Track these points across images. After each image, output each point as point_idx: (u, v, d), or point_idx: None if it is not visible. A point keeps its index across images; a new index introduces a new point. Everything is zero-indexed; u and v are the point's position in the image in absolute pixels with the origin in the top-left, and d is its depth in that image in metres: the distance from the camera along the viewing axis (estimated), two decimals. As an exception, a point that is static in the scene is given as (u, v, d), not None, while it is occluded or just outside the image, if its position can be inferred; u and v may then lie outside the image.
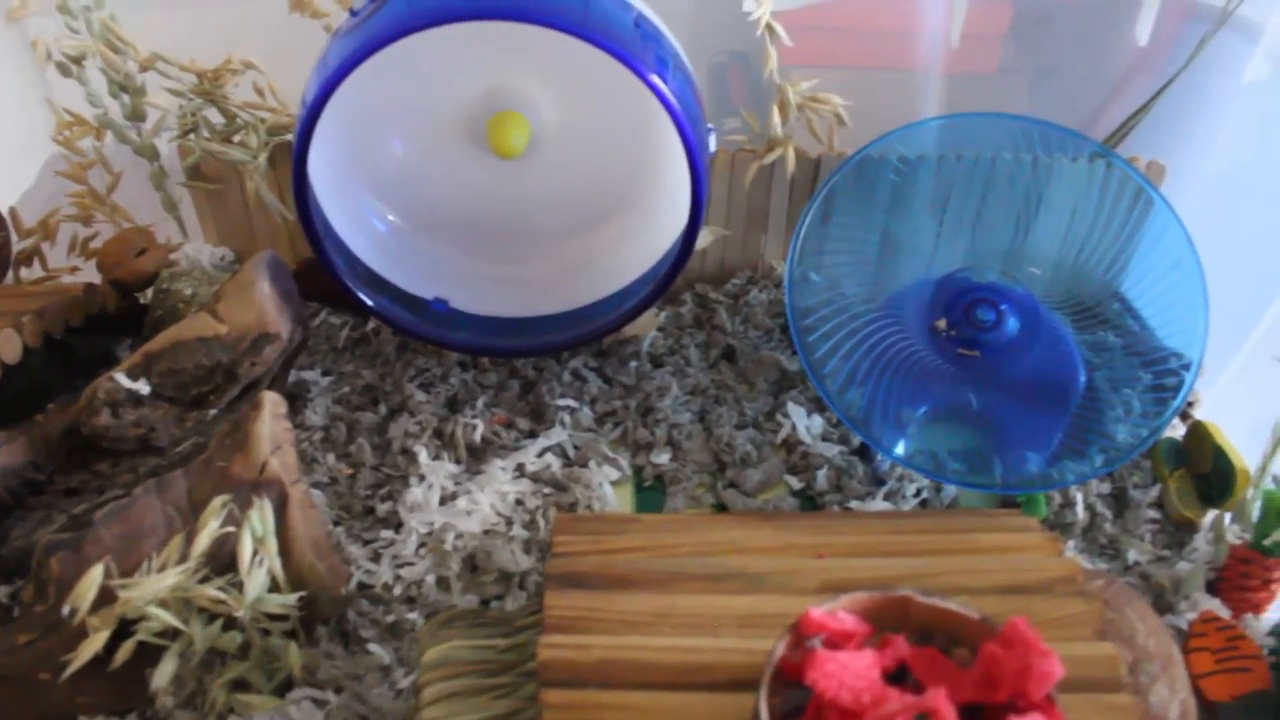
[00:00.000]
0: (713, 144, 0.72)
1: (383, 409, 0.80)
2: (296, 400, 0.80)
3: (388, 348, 0.83)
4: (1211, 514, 0.74)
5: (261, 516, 0.60)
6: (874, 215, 0.83)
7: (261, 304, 0.71)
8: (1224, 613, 0.69)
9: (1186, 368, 0.78)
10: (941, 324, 0.79)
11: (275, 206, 0.78)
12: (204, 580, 0.60)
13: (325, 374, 0.83)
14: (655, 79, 0.64)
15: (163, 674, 0.59)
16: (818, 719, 0.44)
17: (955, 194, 0.83)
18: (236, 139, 0.82)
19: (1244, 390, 0.77)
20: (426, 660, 0.56)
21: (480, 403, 0.80)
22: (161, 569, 0.60)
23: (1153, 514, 0.75)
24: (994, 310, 0.79)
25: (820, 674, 0.43)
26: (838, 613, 0.47)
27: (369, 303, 0.75)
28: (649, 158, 0.76)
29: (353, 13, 0.66)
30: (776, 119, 0.79)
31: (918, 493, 0.75)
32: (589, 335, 0.77)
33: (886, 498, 0.74)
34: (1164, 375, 0.78)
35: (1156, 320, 0.80)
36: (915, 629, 0.48)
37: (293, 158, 0.68)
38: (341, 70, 0.64)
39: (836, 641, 0.46)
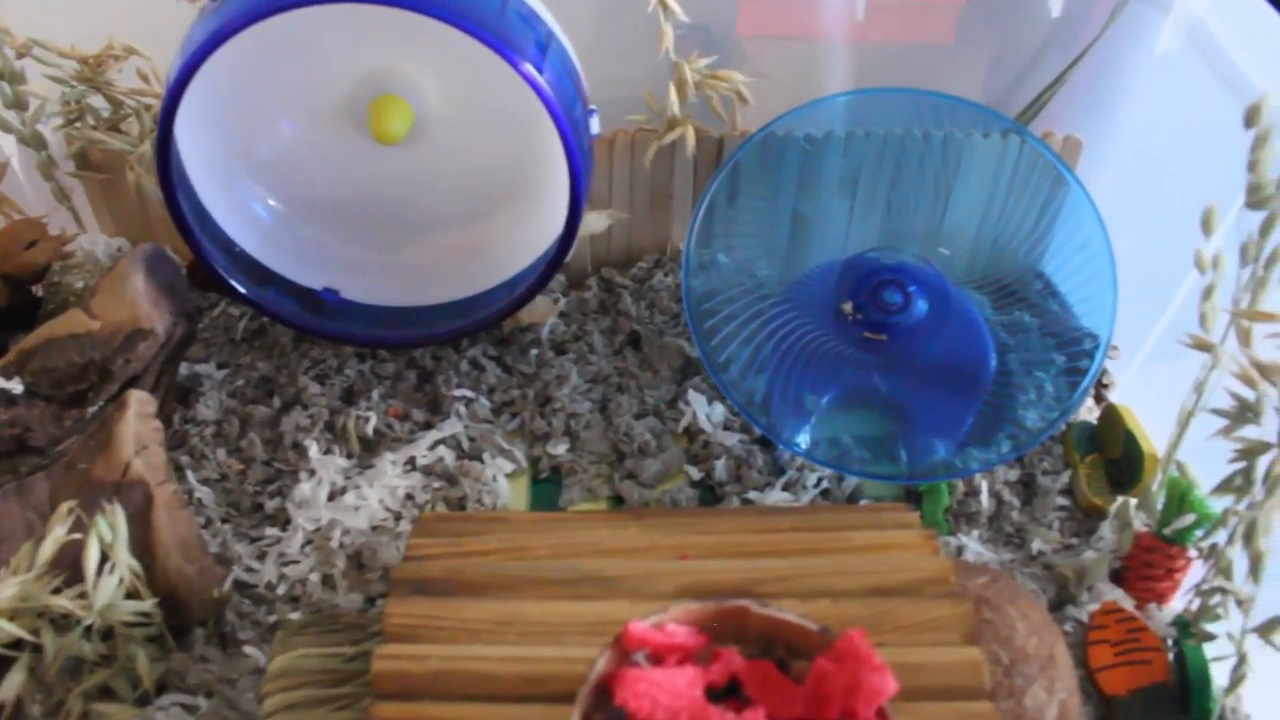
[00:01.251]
0: (596, 126, 0.69)
1: (276, 402, 0.77)
2: (189, 394, 0.77)
3: (284, 339, 0.80)
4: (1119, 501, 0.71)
5: (111, 521, 0.57)
6: (782, 196, 0.79)
7: (135, 299, 0.68)
8: (1128, 603, 0.66)
9: (1090, 349, 0.74)
10: (848, 307, 0.76)
11: (157, 196, 0.75)
12: (57, 590, 0.57)
13: (220, 366, 0.80)
14: (527, 67, 0.61)
15: (9, 686, 0.56)
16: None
17: (865, 172, 0.79)
18: (123, 127, 0.79)
19: (1160, 372, 0.73)
20: (271, 669, 0.53)
21: (376, 394, 0.77)
22: (14, 575, 0.57)
23: (1062, 501, 0.71)
24: (901, 292, 0.75)
25: (631, 693, 0.40)
26: (667, 625, 0.44)
27: (244, 293, 0.72)
28: (535, 143, 0.72)
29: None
30: (674, 98, 0.75)
31: (818, 482, 0.72)
32: (483, 322, 0.74)
33: (786, 488, 0.71)
34: (1078, 357, 0.75)
35: (1073, 300, 0.76)
36: (754, 640, 0.45)
37: (155, 143, 0.65)
38: (200, 52, 0.60)
39: (660, 656, 0.43)
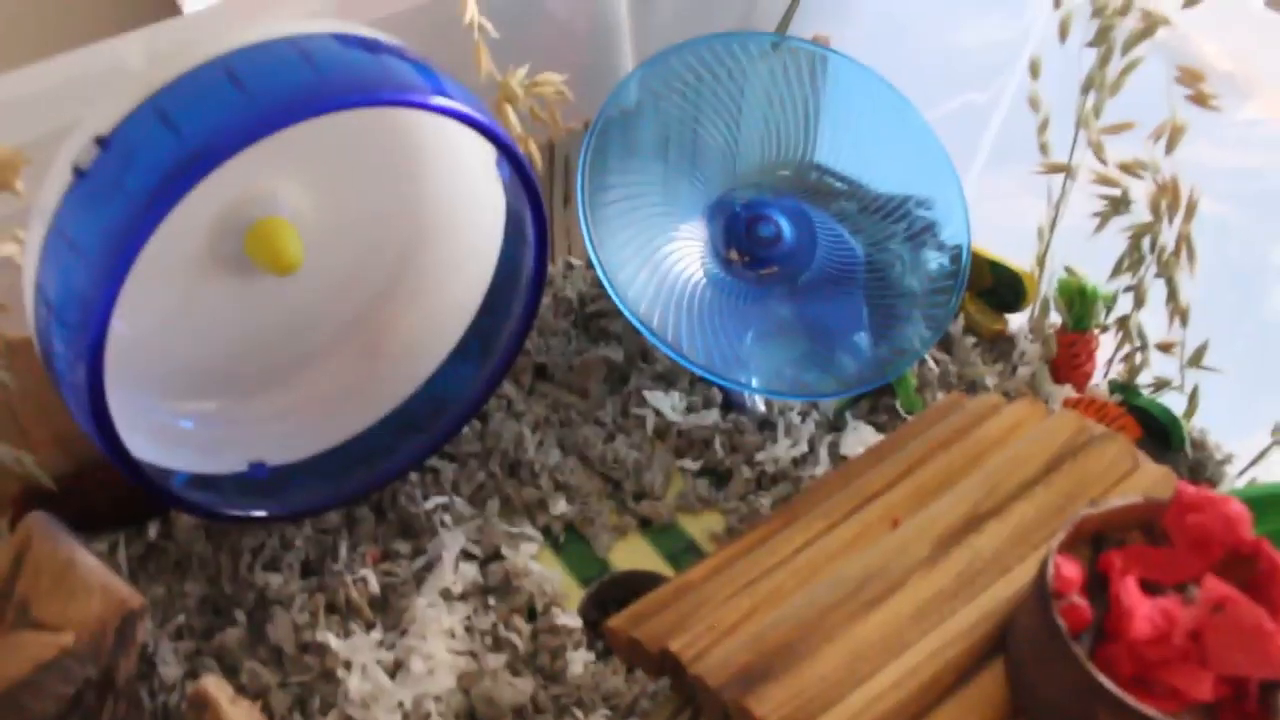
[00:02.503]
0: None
1: (240, 616, 0.63)
2: (145, 663, 0.61)
3: (197, 544, 0.65)
4: (1015, 319, 0.81)
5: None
6: (610, 178, 0.78)
7: (103, 580, 0.52)
8: (1072, 393, 0.76)
9: (921, 204, 0.83)
10: (734, 255, 0.77)
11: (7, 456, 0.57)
12: None
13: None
14: (447, 101, 0.53)
15: None
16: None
17: (672, 131, 0.80)
18: None
19: (980, 211, 0.83)
20: None
21: (343, 550, 0.66)
22: None
23: (970, 340, 0.80)
24: (770, 224, 0.78)
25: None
26: (1060, 566, 0.45)
27: (258, 513, 0.58)
28: (424, 205, 0.64)
29: (79, 173, 0.48)
30: (512, 117, 0.70)
31: (804, 417, 0.74)
32: (446, 427, 0.65)
33: (785, 434, 0.73)
34: (913, 221, 0.82)
35: (882, 175, 0.84)
36: (1089, 544, 0.48)
37: (89, 397, 0.49)
38: (124, 260, 0.46)
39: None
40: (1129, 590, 0.43)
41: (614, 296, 0.70)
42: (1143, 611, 0.42)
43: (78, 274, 0.47)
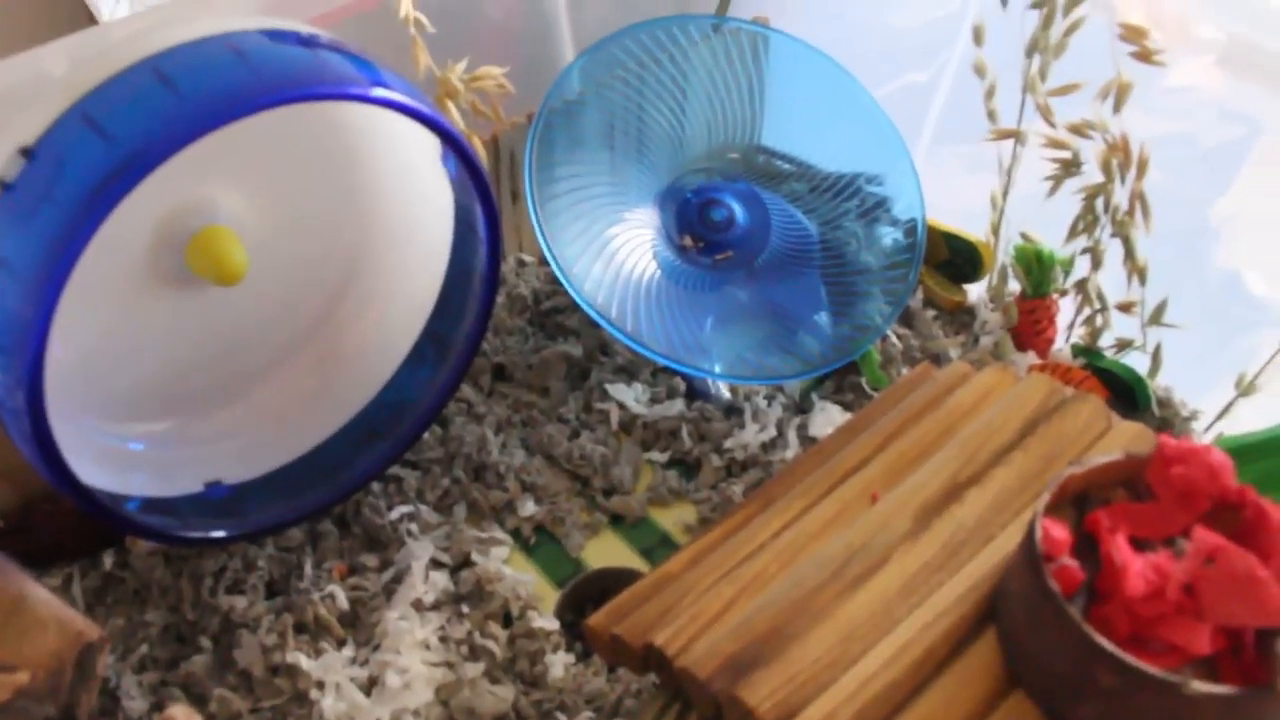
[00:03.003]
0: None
1: (206, 642, 0.60)
2: (100, 698, 0.58)
3: (156, 571, 0.62)
4: (974, 289, 0.80)
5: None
6: (558, 169, 0.76)
7: (57, 614, 0.49)
8: (1035, 360, 0.76)
9: (876, 182, 0.82)
10: (688, 242, 0.76)
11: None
12: None
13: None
14: (387, 93, 0.50)
15: None
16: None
17: (617, 119, 0.78)
18: None
19: (930, 180, 0.82)
20: None
21: (307, 568, 0.63)
22: None
23: (930, 313, 0.79)
24: (723, 208, 0.77)
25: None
26: (1048, 529, 0.44)
27: (221, 534, 0.56)
28: (370, 204, 0.61)
29: (7, 186, 0.45)
30: (454, 112, 0.68)
31: (770, 401, 0.73)
32: (407, 434, 0.63)
33: (754, 419, 0.71)
34: (864, 198, 0.81)
35: (830, 154, 0.82)
36: (1071, 505, 0.47)
37: (32, 424, 0.46)
38: (60, 274, 0.44)
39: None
40: (1120, 548, 0.42)
41: (570, 290, 0.68)
42: (1135, 568, 0.41)
43: (9, 294, 0.45)
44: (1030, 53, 0.69)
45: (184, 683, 0.59)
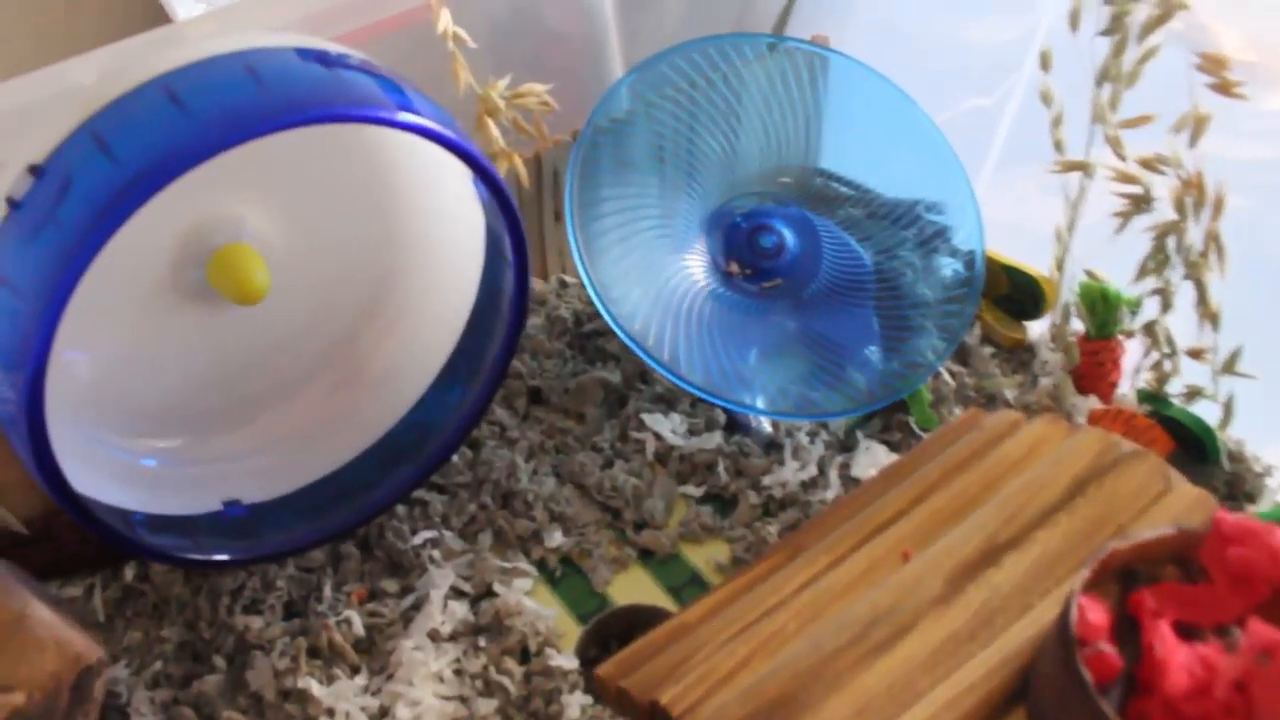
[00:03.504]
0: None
1: (220, 662, 0.59)
2: (110, 714, 0.57)
3: (174, 587, 0.61)
4: (1035, 327, 0.76)
5: None
6: (604, 189, 0.73)
7: (56, 635, 0.48)
8: (1098, 404, 0.71)
9: (931, 209, 0.78)
10: (734, 268, 0.73)
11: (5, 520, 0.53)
12: None
13: (115, 660, 0.59)
14: (414, 118, 0.49)
15: None
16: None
17: (667, 139, 0.75)
18: None
19: (993, 212, 0.78)
20: None
21: (327, 590, 0.62)
22: None
23: (987, 350, 0.75)
24: (772, 234, 0.73)
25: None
26: (1085, 609, 0.40)
27: (225, 557, 0.54)
28: (400, 224, 0.60)
29: (15, 205, 0.44)
30: (494, 130, 0.66)
31: (812, 438, 0.69)
32: (434, 457, 0.61)
33: (795, 456, 0.68)
34: (924, 227, 0.77)
35: (888, 179, 0.79)
36: (1115, 581, 0.43)
37: (33, 448, 0.45)
38: (63, 291, 0.42)
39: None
40: (1163, 637, 0.38)
41: (605, 314, 0.65)
42: (1179, 660, 0.37)
43: (13, 313, 0.43)
44: (1100, 81, 0.65)
45: (195, 702, 0.58)
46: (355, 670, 0.59)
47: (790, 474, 0.67)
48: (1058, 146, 0.69)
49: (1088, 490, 0.51)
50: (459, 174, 0.57)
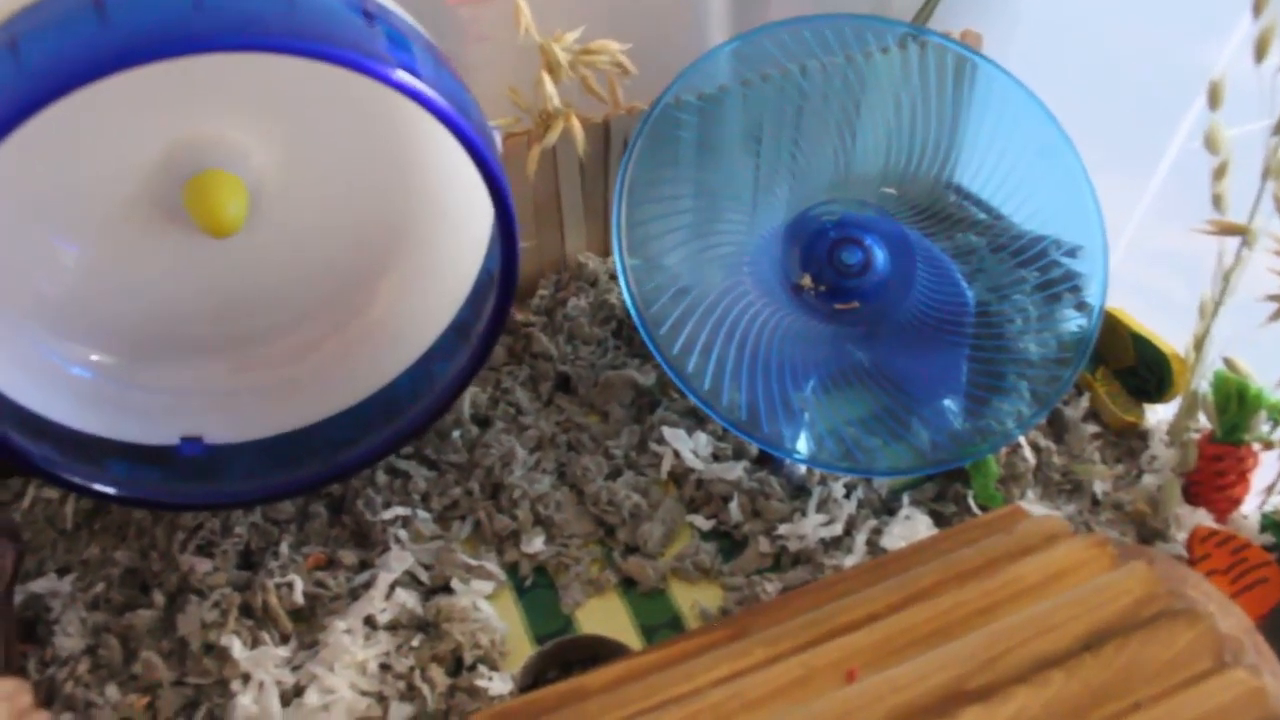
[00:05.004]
0: (500, 147, 0.52)
1: (159, 598, 0.56)
2: (36, 626, 0.55)
3: (138, 511, 0.59)
4: (1154, 413, 0.63)
5: None
6: (682, 170, 0.65)
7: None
8: (1208, 520, 0.58)
9: (1071, 253, 0.65)
10: (806, 281, 0.63)
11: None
12: None
13: (62, 573, 0.57)
14: (407, 77, 0.43)
15: None
16: None
17: (768, 121, 0.66)
18: None
19: (1137, 268, 0.65)
20: None
21: (284, 547, 0.57)
22: None
23: (1091, 428, 0.62)
24: (859, 249, 0.63)
25: None
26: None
27: (80, 483, 0.51)
28: (415, 184, 0.54)
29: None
30: (550, 87, 0.59)
31: (848, 492, 0.59)
32: (405, 429, 0.55)
33: (819, 509, 0.58)
34: (1048, 268, 0.65)
35: (1020, 207, 0.67)
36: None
37: None
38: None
39: None
40: None
41: (630, 307, 0.57)
42: None
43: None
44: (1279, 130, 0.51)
45: (123, 633, 0.55)
46: (285, 639, 0.55)
47: (811, 527, 0.57)
48: (1217, 202, 0.55)
49: (1106, 647, 0.40)
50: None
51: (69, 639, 0.54)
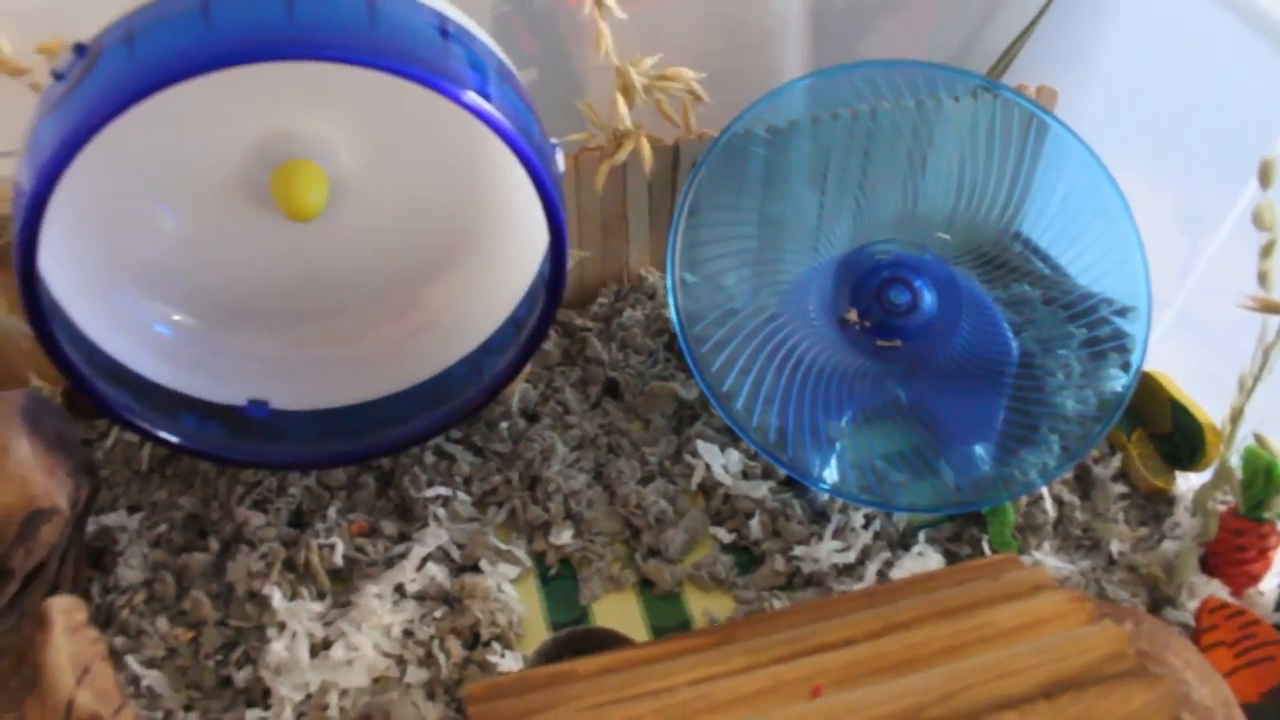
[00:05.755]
0: (560, 163, 0.56)
1: (214, 544, 0.61)
2: (103, 555, 0.61)
3: (205, 462, 0.64)
4: (1184, 480, 0.64)
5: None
6: (747, 198, 0.68)
7: (24, 475, 0.51)
8: (1222, 593, 0.59)
9: (1121, 313, 0.66)
10: (852, 315, 0.66)
11: (18, 331, 0.58)
12: None
13: (133, 511, 0.63)
14: (476, 99, 0.47)
15: None
16: None
17: (835, 158, 0.68)
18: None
19: (1187, 335, 0.66)
20: None
21: (332, 511, 0.62)
22: None
23: (1120, 488, 0.64)
24: (908, 289, 0.65)
25: None
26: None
27: (155, 431, 0.56)
28: (483, 188, 0.58)
29: (57, 76, 0.46)
30: (623, 108, 0.63)
31: (867, 523, 0.62)
32: (454, 412, 0.60)
33: (835, 535, 0.61)
34: (1096, 325, 0.67)
35: (1077, 264, 0.68)
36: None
37: (18, 276, 0.48)
38: (60, 157, 0.44)
39: None
40: None
41: (676, 321, 0.61)
42: None
43: (27, 169, 0.46)
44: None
45: (179, 572, 0.60)
46: (321, 596, 0.60)
47: (826, 552, 0.60)
48: (1262, 279, 0.56)
49: (1063, 696, 0.42)
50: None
51: (130, 571, 0.60)
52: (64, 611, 0.48)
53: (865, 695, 0.42)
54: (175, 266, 0.58)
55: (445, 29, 0.49)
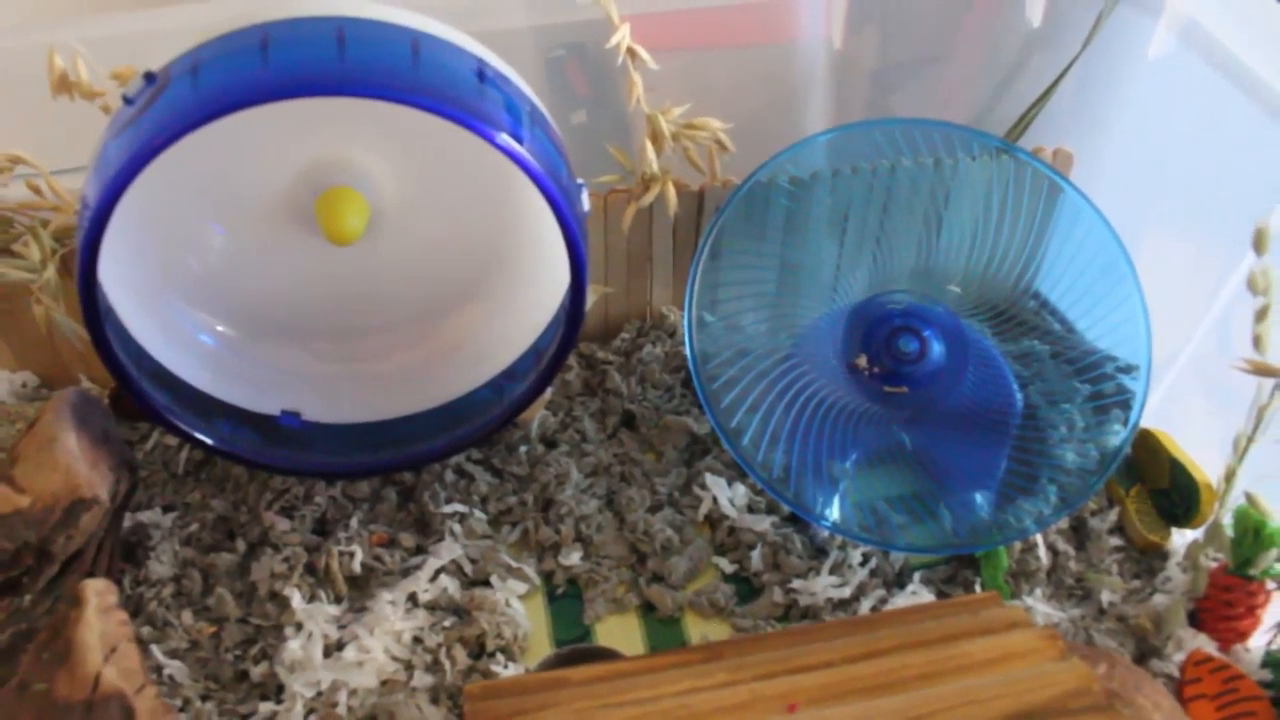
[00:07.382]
0: (585, 202, 0.60)
1: (240, 545, 0.66)
2: (136, 550, 0.66)
3: (237, 469, 0.69)
4: (1179, 536, 0.66)
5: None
6: (768, 245, 0.72)
7: (69, 464, 0.56)
8: (1210, 647, 0.61)
9: (1125, 371, 0.70)
10: (861, 361, 0.69)
11: (73, 333, 0.63)
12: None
13: (167, 510, 0.68)
14: (508, 140, 0.52)
15: None
16: None
17: (854, 210, 0.72)
18: (15, 248, 0.66)
19: (1190, 394, 0.69)
20: None
21: (354, 521, 0.67)
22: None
23: (1115, 541, 0.66)
24: (916, 338, 0.69)
25: None
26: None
27: (193, 433, 0.61)
28: (513, 222, 0.63)
29: (127, 100, 0.52)
30: (651, 154, 0.67)
31: (865, 560, 0.65)
32: (474, 433, 0.64)
33: (833, 571, 0.64)
34: (1100, 381, 0.70)
35: (1084, 321, 0.71)
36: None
37: (78, 281, 0.53)
38: (124, 175, 0.49)
39: None
40: None
41: (690, 357, 0.65)
42: None
43: (93, 184, 0.51)
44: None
45: (206, 569, 0.65)
46: (338, 600, 0.64)
47: (822, 586, 0.63)
48: (1257, 343, 0.59)
49: (1026, 724, 0.45)
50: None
51: (161, 566, 0.65)
52: (97, 593, 0.52)
53: (838, 714, 0.45)
54: (221, 281, 0.63)
55: (483, 73, 0.53)
